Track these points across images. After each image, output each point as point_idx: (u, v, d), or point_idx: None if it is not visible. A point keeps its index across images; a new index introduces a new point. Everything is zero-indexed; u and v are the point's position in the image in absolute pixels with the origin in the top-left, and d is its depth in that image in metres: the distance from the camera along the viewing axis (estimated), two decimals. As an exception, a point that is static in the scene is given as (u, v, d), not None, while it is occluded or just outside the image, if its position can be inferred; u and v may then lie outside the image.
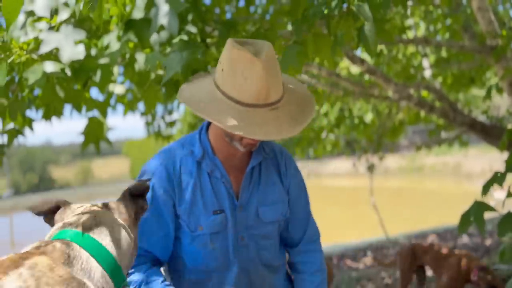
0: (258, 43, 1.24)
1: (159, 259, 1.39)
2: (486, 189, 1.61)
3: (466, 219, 1.56)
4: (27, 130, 2.11)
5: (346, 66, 5.03)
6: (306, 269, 1.48)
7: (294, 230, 1.49)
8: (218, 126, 1.25)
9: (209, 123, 1.40)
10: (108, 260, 0.95)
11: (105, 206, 1.07)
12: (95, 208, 1.04)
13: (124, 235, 1.02)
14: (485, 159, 17.57)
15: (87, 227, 0.97)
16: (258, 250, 1.42)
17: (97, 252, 0.94)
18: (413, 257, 3.36)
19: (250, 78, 1.17)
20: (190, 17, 1.71)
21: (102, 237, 0.97)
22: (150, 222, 1.33)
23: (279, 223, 1.45)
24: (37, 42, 1.44)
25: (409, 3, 3.10)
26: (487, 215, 1.69)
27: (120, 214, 1.05)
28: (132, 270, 1.32)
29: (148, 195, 1.30)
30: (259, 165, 1.42)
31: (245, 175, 1.38)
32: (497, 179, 1.69)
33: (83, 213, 1.01)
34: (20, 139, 2.13)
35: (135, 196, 1.11)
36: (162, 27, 1.44)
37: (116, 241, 0.99)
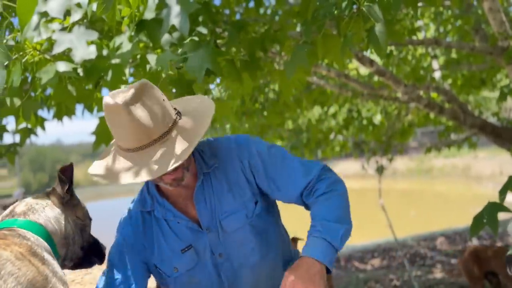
0: (132, 86, 1.20)
1: None
2: (503, 194, 1.57)
3: (479, 220, 1.53)
4: (39, 129, 2.14)
5: (355, 67, 5.02)
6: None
7: (287, 194, 1.38)
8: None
9: None
10: (45, 234, 1.20)
11: (44, 193, 1.31)
12: (30, 198, 1.28)
13: (53, 214, 1.25)
14: (495, 161, 17.41)
15: (21, 214, 1.21)
16: (243, 257, 1.39)
17: (36, 229, 1.18)
18: (479, 263, 3.04)
19: (122, 126, 1.16)
20: (200, 18, 1.72)
21: (36, 217, 1.22)
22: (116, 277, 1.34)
23: (250, 224, 1.38)
24: (50, 42, 1.46)
25: (419, 4, 3.08)
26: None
27: (53, 199, 1.29)
28: None
29: (115, 259, 1.35)
30: (209, 181, 1.37)
31: (194, 199, 1.35)
32: (513, 183, 1.64)
33: (15, 206, 1.26)
34: (32, 138, 2.16)
35: (63, 180, 1.30)
36: (173, 28, 1.45)
37: (47, 219, 1.23)
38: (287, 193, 1.38)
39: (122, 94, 1.17)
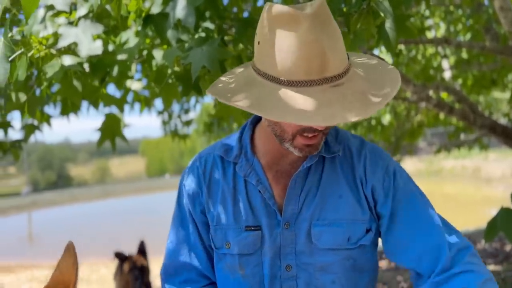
0: (306, 2, 0.91)
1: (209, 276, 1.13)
2: (515, 199, 1.56)
3: (492, 226, 1.51)
4: (45, 126, 2.14)
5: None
6: None
7: (408, 260, 1.03)
8: (263, 119, 1.01)
9: (256, 119, 1.12)
10: None
11: None
12: None
13: None
14: (505, 163, 17.24)
15: None
16: (314, 285, 1.04)
17: None
18: None
19: (293, 43, 0.84)
20: (207, 14, 1.70)
21: None
22: (184, 235, 1.12)
23: (349, 253, 1.03)
24: (56, 37, 1.46)
25: (431, 2, 3.05)
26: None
27: None
28: None
29: (182, 202, 1.13)
30: (321, 168, 1.05)
31: (291, 179, 1.03)
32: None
33: None
34: (38, 136, 2.16)
35: None
36: (179, 22, 1.44)
37: None
38: (402, 246, 1.03)
39: (303, 6, 0.87)
